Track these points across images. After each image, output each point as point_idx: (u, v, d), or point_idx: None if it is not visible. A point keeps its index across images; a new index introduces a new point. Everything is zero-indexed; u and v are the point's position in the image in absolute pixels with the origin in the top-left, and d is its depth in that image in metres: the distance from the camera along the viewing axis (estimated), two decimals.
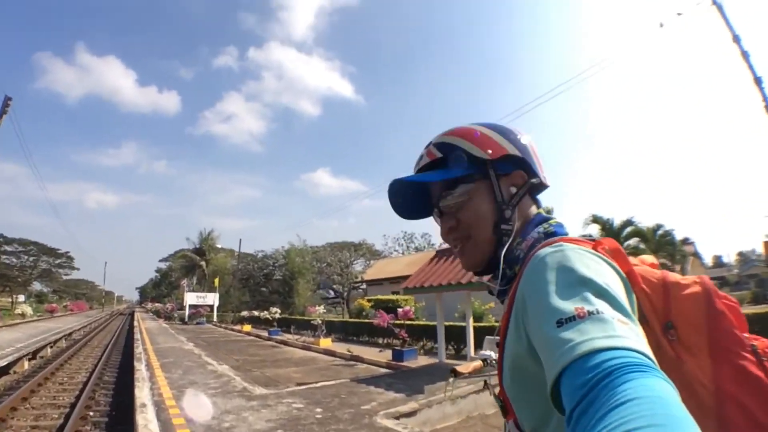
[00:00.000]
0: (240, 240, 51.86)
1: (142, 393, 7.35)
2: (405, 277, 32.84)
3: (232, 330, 28.52)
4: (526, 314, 0.74)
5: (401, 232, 54.66)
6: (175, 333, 23.11)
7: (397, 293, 30.71)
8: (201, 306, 37.41)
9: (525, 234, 0.94)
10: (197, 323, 34.88)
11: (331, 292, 46.33)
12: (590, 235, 1.08)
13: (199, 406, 6.69)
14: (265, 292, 45.57)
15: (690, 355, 0.77)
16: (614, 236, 25.20)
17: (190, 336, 21.96)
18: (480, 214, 0.95)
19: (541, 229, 0.93)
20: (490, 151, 0.95)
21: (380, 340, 18.69)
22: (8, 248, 73.68)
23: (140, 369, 9.76)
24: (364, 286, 39.69)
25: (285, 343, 19.30)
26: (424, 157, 1.02)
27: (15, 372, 11.84)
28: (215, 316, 37.84)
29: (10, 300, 69.30)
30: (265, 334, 23.35)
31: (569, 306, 0.64)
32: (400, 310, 14.19)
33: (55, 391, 9.58)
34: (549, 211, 1.24)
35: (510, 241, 0.93)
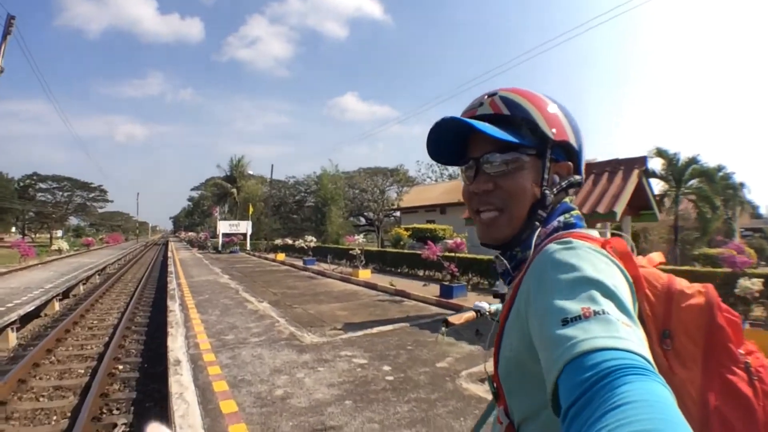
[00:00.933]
0: (272, 165, 49.85)
1: (176, 344, 6.31)
2: (441, 205, 31.83)
3: (266, 259, 27.86)
4: (530, 308, 0.72)
5: None
6: (209, 263, 22.45)
7: (433, 221, 29.61)
8: (234, 234, 36.90)
9: (547, 221, 0.91)
10: (231, 252, 34.52)
11: (362, 220, 45.42)
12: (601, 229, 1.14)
13: None
14: (297, 220, 44.95)
15: (682, 367, 0.77)
16: (678, 173, 23.58)
17: (224, 266, 21.29)
18: (524, 189, 0.89)
19: (562, 218, 0.91)
20: (554, 131, 0.90)
21: (421, 272, 17.66)
22: (43, 185, 74.75)
23: (174, 310, 8.77)
24: (397, 213, 38.58)
25: (322, 273, 18.40)
26: (485, 106, 0.94)
27: (46, 315, 11.07)
28: (248, 245, 37.38)
29: (49, 236, 70.62)
30: (299, 263, 22.56)
31: (576, 305, 0.62)
32: (450, 241, 12.98)
33: (84, 338, 8.67)
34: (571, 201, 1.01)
35: (539, 229, 0.89)
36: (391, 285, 13.80)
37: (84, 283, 15.87)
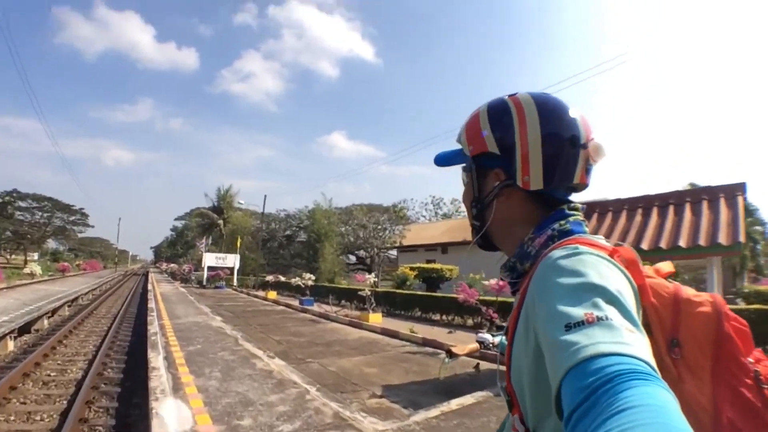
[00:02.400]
0: (265, 196, 44.47)
1: None
2: (442, 244, 29.70)
3: (256, 297, 25.23)
4: (535, 315, 0.72)
5: (429, 197, 50.71)
6: (194, 300, 19.66)
7: (434, 261, 27.41)
8: (220, 268, 33.83)
9: (539, 230, 0.89)
10: (216, 287, 31.82)
11: (351, 257, 42.79)
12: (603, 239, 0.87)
13: None
14: (286, 255, 42.21)
15: (692, 376, 0.75)
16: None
17: (212, 304, 18.80)
18: (466, 203, 1.03)
19: (556, 226, 0.88)
20: (471, 148, 0.97)
21: (436, 317, 15.47)
22: (22, 204, 71.37)
23: (158, 367, 6.40)
24: (393, 252, 36.28)
25: (325, 316, 16.00)
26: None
27: None
28: (235, 280, 34.50)
29: (24, 258, 66.98)
30: (295, 303, 20.31)
31: (579, 311, 0.61)
32: (487, 282, 10.88)
33: (34, 400, 6.20)
34: (575, 208, 0.92)
35: (479, 235, 1.00)
36: (413, 332, 11.61)
37: (49, 317, 13.33)
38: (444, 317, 15.15)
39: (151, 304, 15.17)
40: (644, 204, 8.91)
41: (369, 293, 15.39)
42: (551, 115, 0.91)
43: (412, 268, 22.05)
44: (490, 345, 1.84)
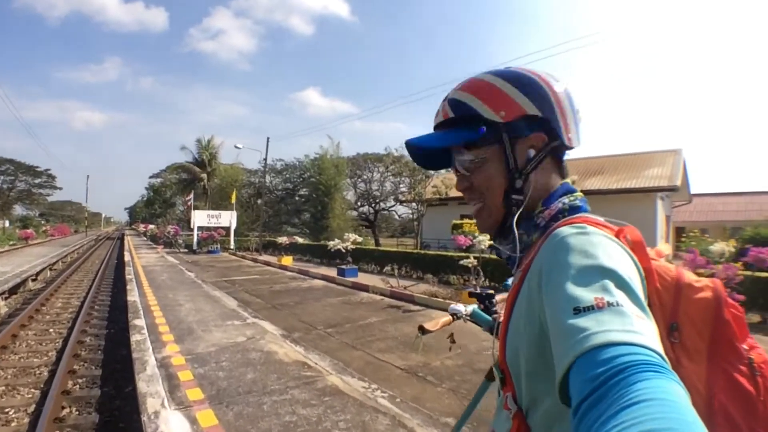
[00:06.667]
0: (267, 139, 31.39)
1: None
2: None
3: (267, 264, 19.16)
4: (541, 294, 0.68)
5: None
6: (195, 277, 13.25)
7: (468, 216, 21.57)
8: (214, 228, 27.01)
9: (548, 202, 0.84)
10: (209, 252, 25.51)
11: (350, 213, 36.79)
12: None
13: None
14: (284, 211, 35.90)
15: (689, 360, 0.72)
16: None
17: (218, 279, 12.85)
18: (491, 181, 0.86)
19: (566, 200, 0.83)
20: (503, 113, 0.83)
21: None
22: None
23: None
24: (399, 208, 30.25)
25: (408, 299, 10.17)
26: (440, 114, 0.91)
27: None
28: (232, 242, 27.93)
29: None
30: (326, 272, 14.70)
31: (588, 294, 0.58)
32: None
33: None
34: (573, 182, 0.91)
35: (519, 211, 0.84)
36: None
37: None
38: None
39: (132, 296, 8.85)
40: None
41: (475, 263, 9.63)
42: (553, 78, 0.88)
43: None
44: (464, 316, 1.68)
